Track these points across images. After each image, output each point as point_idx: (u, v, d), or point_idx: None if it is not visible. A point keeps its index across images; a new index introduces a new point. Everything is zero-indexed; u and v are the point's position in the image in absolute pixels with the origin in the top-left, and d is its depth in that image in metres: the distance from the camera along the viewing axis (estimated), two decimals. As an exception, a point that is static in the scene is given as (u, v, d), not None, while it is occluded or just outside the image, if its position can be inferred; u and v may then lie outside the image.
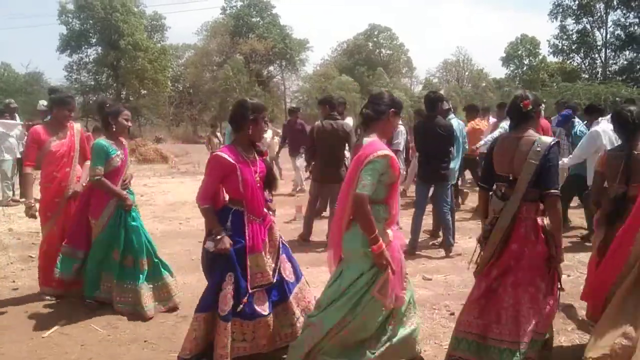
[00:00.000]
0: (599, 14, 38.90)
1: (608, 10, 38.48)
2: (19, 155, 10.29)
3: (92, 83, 36.39)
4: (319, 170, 6.78)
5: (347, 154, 7.34)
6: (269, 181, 3.49)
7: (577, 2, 38.63)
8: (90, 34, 34.81)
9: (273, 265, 3.40)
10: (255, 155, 3.39)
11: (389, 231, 3.03)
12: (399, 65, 55.64)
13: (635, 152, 3.47)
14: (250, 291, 3.22)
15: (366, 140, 3.07)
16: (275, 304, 3.38)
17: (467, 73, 57.70)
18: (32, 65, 53.70)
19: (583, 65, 41.12)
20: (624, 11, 37.99)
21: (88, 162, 4.50)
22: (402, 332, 3.11)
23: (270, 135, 8.74)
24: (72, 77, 36.96)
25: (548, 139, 3.07)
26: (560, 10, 39.51)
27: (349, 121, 9.11)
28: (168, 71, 39.87)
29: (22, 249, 6.61)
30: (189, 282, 5.11)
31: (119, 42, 32.69)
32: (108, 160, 4.23)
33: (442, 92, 11.50)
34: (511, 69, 49.66)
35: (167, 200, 10.74)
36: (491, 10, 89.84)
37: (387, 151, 2.98)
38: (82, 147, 4.72)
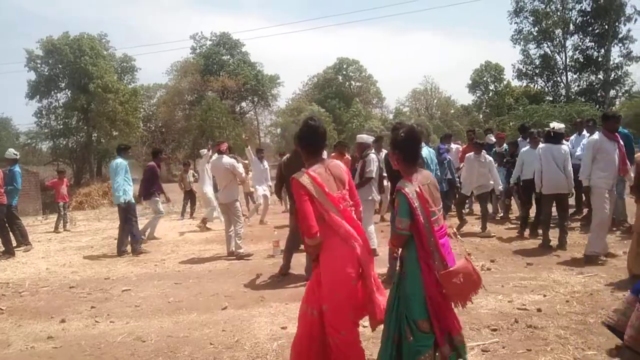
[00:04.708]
0: (558, 39, 40.51)
1: (566, 36, 40.14)
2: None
3: (62, 127, 35.89)
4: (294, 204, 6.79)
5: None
6: None
7: (536, 28, 40.25)
8: (60, 79, 34.54)
9: None
10: None
11: None
12: (369, 96, 56.67)
13: None
14: None
15: None
16: None
17: (435, 101, 59.05)
18: (-1, 111, 52.82)
19: (547, 88, 42.54)
20: (580, 36, 39.70)
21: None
22: None
23: (244, 171, 8.73)
24: (42, 122, 36.53)
25: None
26: (522, 36, 41.10)
27: (326, 156, 9.19)
28: (139, 112, 39.68)
29: (-9, 301, 6.39)
30: (165, 326, 5.00)
31: (88, 86, 32.44)
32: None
33: (412, 121, 11.78)
34: (478, 95, 51.06)
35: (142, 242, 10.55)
36: (455, 38, 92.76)
37: None
38: None
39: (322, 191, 3.18)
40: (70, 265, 8.50)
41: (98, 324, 5.24)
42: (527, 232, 8.75)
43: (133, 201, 9.38)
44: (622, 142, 6.74)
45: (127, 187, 9.25)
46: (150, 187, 10.55)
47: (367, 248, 3.23)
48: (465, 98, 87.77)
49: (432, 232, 2.99)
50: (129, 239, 9.30)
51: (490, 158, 9.37)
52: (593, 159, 6.56)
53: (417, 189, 3.03)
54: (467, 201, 10.85)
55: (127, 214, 9.21)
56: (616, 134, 6.75)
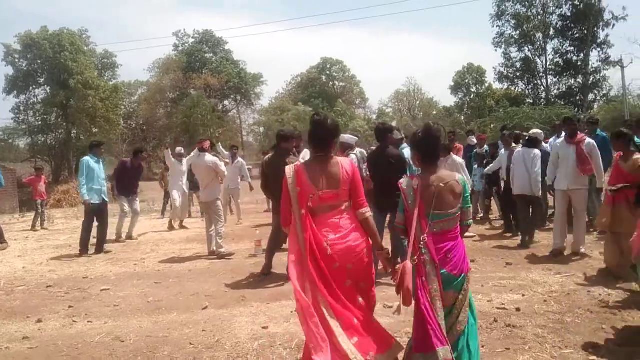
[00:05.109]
0: (538, 43, 41.12)
1: (547, 40, 40.78)
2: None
3: (40, 123, 35.22)
4: (277, 204, 6.79)
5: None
6: None
7: (518, 32, 40.81)
8: (38, 74, 33.87)
9: None
10: None
11: None
12: (352, 96, 56.87)
13: None
14: None
15: None
16: None
17: (418, 102, 59.48)
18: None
19: (527, 91, 43.17)
20: (560, 40, 40.34)
21: None
22: None
23: (225, 170, 8.67)
24: (20, 118, 35.84)
25: None
26: (503, 39, 41.66)
27: (307, 155, 9.20)
28: (120, 109, 39.16)
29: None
30: (145, 326, 4.94)
31: (68, 82, 31.82)
32: None
33: (394, 123, 11.90)
34: (460, 96, 51.56)
35: (120, 241, 10.44)
36: (437, 40, 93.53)
37: None
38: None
39: (295, 188, 3.23)
40: (47, 264, 8.37)
41: (76, 324, 5.15)
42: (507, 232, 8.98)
43: (95, 202, 8.97)
44: (584, 144, 6.93)
45: (96, 187, 8.94)
46: (117, 184, 10.41)
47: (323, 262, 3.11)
48: (447, 100, 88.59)
49: (421, 230, 3.00)
50: (82, 235, 9.04)
51: (460, 159, 9.42)
52: (554, 162, 7.25)
53: (415, 186, 3.07)
54: None
55: (85, 213, 8.99)
56: (577, 136, 7.00)
